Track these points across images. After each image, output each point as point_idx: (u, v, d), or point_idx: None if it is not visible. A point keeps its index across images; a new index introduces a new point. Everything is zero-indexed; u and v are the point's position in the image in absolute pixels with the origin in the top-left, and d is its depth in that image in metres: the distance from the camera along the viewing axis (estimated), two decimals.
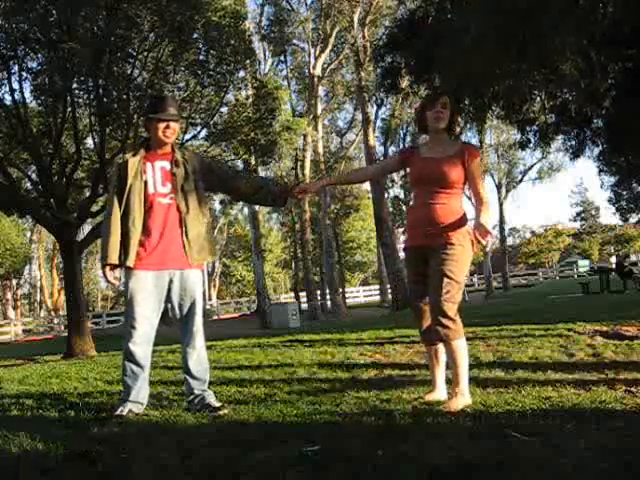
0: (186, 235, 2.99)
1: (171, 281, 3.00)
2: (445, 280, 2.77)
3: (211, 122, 11.60)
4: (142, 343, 2.96)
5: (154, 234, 2.97)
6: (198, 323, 3.05)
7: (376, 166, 3.29)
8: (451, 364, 2.85)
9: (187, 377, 3.05)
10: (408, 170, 3.11)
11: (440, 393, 2.95)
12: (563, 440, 2.03)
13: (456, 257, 2.80)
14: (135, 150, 3.11)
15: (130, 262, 2.94)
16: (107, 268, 2.98)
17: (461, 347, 2.81)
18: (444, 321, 2.75)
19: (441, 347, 2.95)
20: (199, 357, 3.05)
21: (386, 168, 3.40)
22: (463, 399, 2.75)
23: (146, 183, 2.99)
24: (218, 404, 2.97)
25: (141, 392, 2.98)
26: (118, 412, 2.86)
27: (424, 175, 2.93)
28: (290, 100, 24.01)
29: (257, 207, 22.61)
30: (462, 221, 2.91)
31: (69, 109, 9.54)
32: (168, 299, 3.03)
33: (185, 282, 3.01)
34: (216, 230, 38.62)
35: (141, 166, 3.01)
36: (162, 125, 3.01)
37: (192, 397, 3.02)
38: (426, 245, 2.89)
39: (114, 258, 2.96)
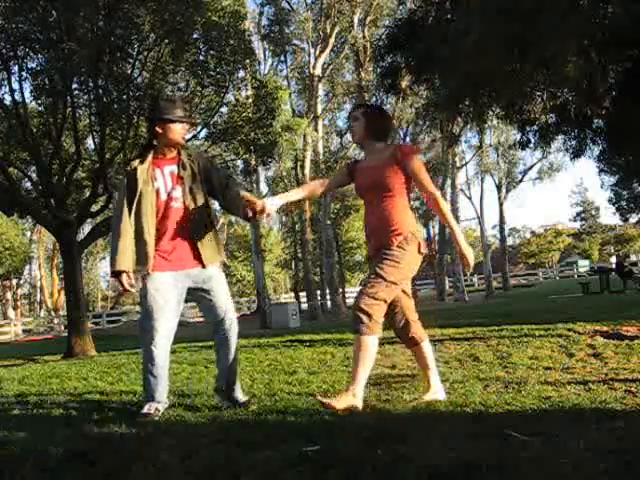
0: (197, 237, 2.99)
1: (190, 281, 3.01)
2: (372, 276, 2.76)
3: (211, 122, 11.61)
4: (163, 346, 2.96)
5: (168, 238, 2.97)
6: (227, 317, 3.06)
7: (330, 180, 3.18)
8: (353, 359, 2.76)
9: (218, 370, 3.09)
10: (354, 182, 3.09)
11: (436, 391, 2.94)
12: (563, 440, 2.03)
13: (393, 258, 2.76)
14: (142, 156, 3.06)
15: (148, 268, 2.93)
16: (123, 276, 2.92)
17: (369, 346, 2.71)
18: (359, 314, 2.70)
19: (424, 346, 2.93)
20: (229, 351, 3.06)
21: (337, 182, 3.17)
22: (352, 400, 2.63)
23: (158, 190, 2.98)
24: (245, 398, 3.01)
25: (164, 392, 3.00)
26: (145, 411, 2.87)
27: (364, 184, 2.95)
28: (290, 100, 24.02)
29: None
30: (405, 224, 2.85)
31: (69, 109, 9.55)
32: (192, 299, 3.06)
33: (204, 279, 3.02)
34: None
35: (150, 172, 2.98)
36: (179, 127, 3.00)
37: (221, 390, 3.05)
38: (375, 254, 2.88)
39: (126, 265, 2.91)
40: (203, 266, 3.00)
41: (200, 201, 3.03)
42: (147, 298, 2.93)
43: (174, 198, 2.99)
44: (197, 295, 3.05)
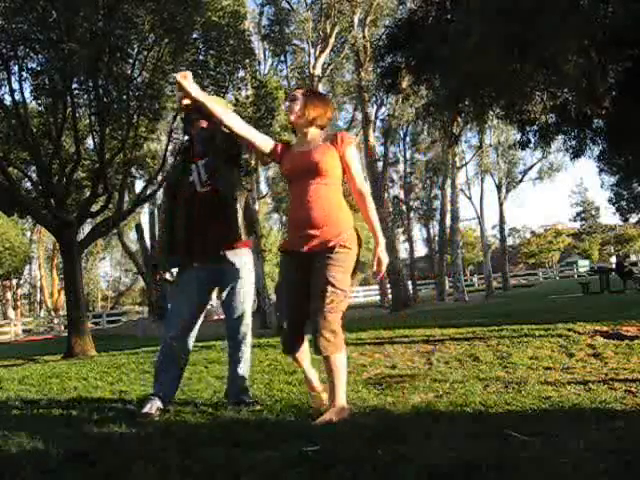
0: (225, 219, 3.02)
1: (216, 272, 3.04)
2: (330, 289, 2.55)
3: None
4: (179, 340, 3.00)
5: (199, 227, 3.03)
6: (241, 315, 3.06)
7: (254, 132, 2.84)
8: (328, 379, 2.62)
9: (229, 371, 3.12)
10: (281, 165, 2.84)
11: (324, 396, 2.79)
12: (563, 440, 2.03)
13: (341, 262, 2.60)
14: (182, 153, 3.25)
15: (178, 262, 3.05)
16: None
17: (341, 362, 2.60)
18: (326, 334, 2.53)
19: (304, 352, 2.80)
20: (241, 352, 3.09)
21: (259, 141, 2.83)
22: (342, 411, 2.56)
23: (193, 183, 3.07)
24: (251, 400, 3.03)
25: (170, 392, 3.01)
26: (146, 410, 2.88)
27: (297, 167, 2.71)
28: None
29: (257, 207, 22.62)
30: (346, 221, 2.68)
31: (69, 109, 9.55)
32: (216, 288, 3.09)
33: (228, 270, 3.04)
34: None
35: (187, 168, 3.11)
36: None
37: (229, 391, 3.08)
38: (310, 250, 2.63)
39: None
40: (219, 257, 3.02)
41: (232, 189, 3.07)
42: (174, 291, 3.04)
43: (202, 183, 3.07)
44: (221, 291, 3.11)
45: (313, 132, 2.79)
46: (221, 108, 2.85)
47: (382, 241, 2.69)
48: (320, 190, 2.66)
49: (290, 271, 2.71)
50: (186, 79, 2.78)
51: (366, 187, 2.77)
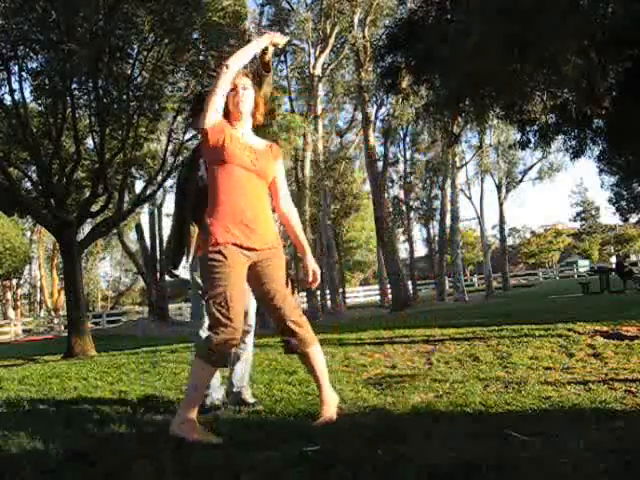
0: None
1: None
2: (294, 287, 2.67)
3: None
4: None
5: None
6: (245, 316, 2.96)
7: (222, 94, 2.54)
8: (313, 375, 2.67)
9: (230, 371, 3.11)
10: (217, 144, 2.50)
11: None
12: (563, 440, 2.03)
13: (285, 264, 2.68)
14: (196, 151, 3.34)
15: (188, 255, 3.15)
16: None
17: (320, 352, 2.68)
18: (308, 327, 2.63)
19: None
20: (243, 352, 3.09)
21: (218, 102, 2.52)
22: (333, 403, 2.62)
23: (202, 177, 3.12)
24: (253, 400, 3.04)
25: (217, 382, 3.02)
26: (208, 404, 2.91)
27: (243, 157, 2.51)
28: (289, 98, 24.07)
29: None
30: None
31: (69, 109, 9.55)
32: None
33: None
34: None
35: (196, 164, 3.19)
36: None
37: (229, 391, 3.08)
38: (258, 247, 2.54)
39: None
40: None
41: None
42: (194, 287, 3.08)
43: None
44: None
45: (249, 128, 2.64)
46: (240, 62, 2.56)
47: (310, 255, 2.74)
48: (261, 190, 2.57)
49: (232, 267, 2.44)
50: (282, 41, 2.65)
51: (292, 204, 2.73)
